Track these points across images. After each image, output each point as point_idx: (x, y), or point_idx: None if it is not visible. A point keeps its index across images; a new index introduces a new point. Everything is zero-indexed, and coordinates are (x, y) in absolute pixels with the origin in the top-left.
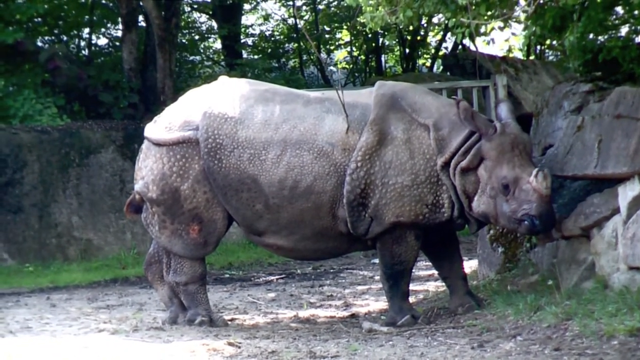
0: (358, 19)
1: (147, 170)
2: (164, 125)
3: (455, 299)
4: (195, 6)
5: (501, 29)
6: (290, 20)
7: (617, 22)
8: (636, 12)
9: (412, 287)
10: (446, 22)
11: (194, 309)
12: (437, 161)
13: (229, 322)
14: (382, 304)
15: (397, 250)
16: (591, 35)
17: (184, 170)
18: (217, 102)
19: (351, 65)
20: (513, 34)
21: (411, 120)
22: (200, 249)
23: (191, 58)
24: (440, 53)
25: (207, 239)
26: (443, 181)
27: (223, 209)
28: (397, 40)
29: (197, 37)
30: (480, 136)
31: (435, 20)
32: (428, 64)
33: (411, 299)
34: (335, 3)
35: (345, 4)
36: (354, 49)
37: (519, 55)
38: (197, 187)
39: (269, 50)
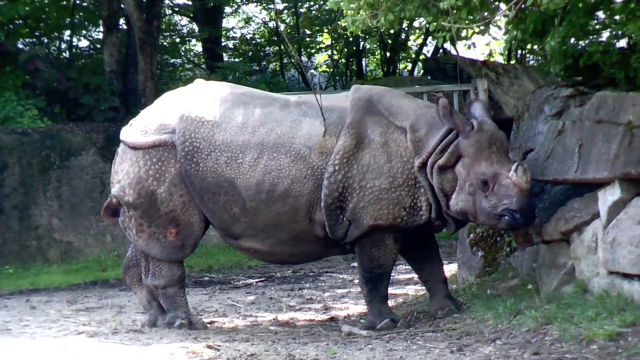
0: (339, 23)
1: (124, 174)
2: (140, 129)
3: (435, 302)
4: (177, 9)
5: (482, 32)
6: (272, 24)
7: (598, 27)
8: (617, 17)
9: (391, 291)
10: (427, 26)
11: (174, 312)
12: (415, 162)
13: (209, 325)
14: (361, 307)
15: (376, 254)
16: (572, 40)
17: (161, 174)
18: (194, 106)
19: (332, 69)
20: (494, 38)
21: (388, 124)
22: (178, 253)
23: (172, 61)
24: (422, 57)
25: (184, 242)
26: (421, 183)
27: (200, 212)
28: (378, 44)
29: (178, 40)
30: (457, 134)
31: (416, 24)
32: (409, 67)
33: (391, 303)
34: (317, 7)
35: (327, 8)
36: (335, 52)
37: (500, 59)
38: (174, 190)
39: (250, 53)
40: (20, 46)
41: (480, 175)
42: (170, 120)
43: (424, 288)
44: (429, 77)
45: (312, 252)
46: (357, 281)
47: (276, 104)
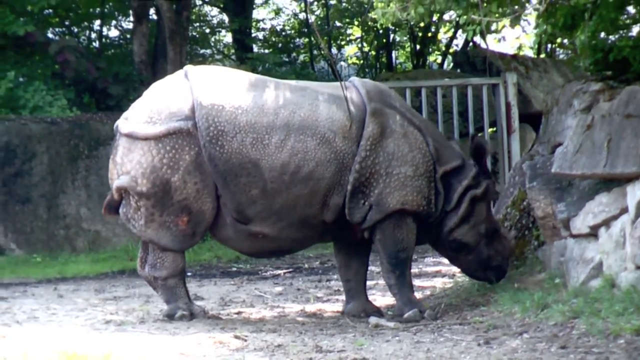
0: (369, 15)
1: (134, 164)
2: (144, 120)
3: (357, 304)
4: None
5: (512, 25)
6: (302, 15)
7: (628, 21)
8: None
9: (419, 282)
10: (457, 19)
11: (174, 304)
12: (438, 169)
13: (235, 316)
14: (388, 299)
15: (399, 235)
16: (602, 34)
17: (174, 162)
18: (207, 91)
19: (362, 61)
20: (524, 31)
21: (403, 117)
22: (188, 240)
23: (202, 51)
24: (451, 50)
25: (195, 229)
26: (436, 184)
27: (212, 199)
28: (408, 36)
29: (208, 31)
30: (478, 174)
31: (446, 17)
32: (439, 60)
33: (418, 295)
34: None
35: (357, 0)
36: (364, 44)
37: (529, 53)
38: (188, 178)
39: (280, 44)
40: (50, 35)
41: (494, 224)
42: (180, 107)
43: (451, 280)
44: (458, 70)
45: (311, 238)
46: None
47: (281, 87)
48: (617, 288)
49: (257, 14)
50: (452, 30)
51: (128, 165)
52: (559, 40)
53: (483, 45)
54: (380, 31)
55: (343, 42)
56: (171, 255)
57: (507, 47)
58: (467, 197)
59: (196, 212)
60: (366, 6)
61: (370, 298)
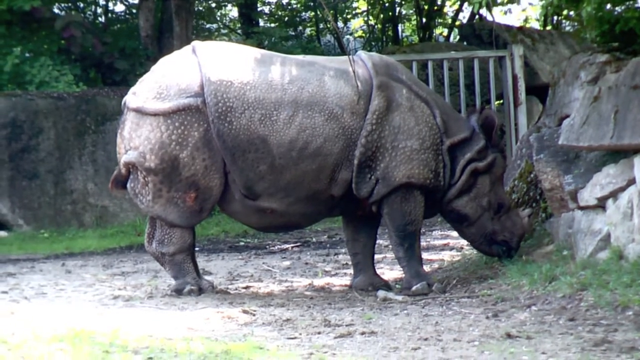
0: None
1: (142, 139)
2: (153, 95)
3: (365, 277)
4: None
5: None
6: None
7: None
8: None
9: (427, 256)
10: None
11: (182, 279)
12: (445, 141)
13: (244, 290)
14: (396, 272)
15: (406, 208)
16: (608, 6)
17: (183, 138)
18: (215, 67)
19: (368, 35)
20: (530, 4)
21: (409, 90)
22: (195, 216)
23: (208, 26)
24: (457, 23)
25: (202, 205)
26: (442, 156)
27: (220, 176)
28: (414, 9)
29: (214, 5)
30: (487, 145)
31: None
32: (445, 33)
33: (426, 268)
34: None
35: None
36: (370, 17)
37: (535, 25)
38: (196, 154)
39: (286, 18)
40: (56, 10)
41: (499, 198)
42: (189, 83)
43: (459, 253)
44: (465, 43)
45: (319, 213)
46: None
47: (289, 62)
48: (625, 260)
49: None
50: (458, 3)
51: (136, 140)
52: (565, 12)
53: (489, 18)
54: (386, 4)
55: (349, 16)
56: (179, 231)
57: (514, 20)
58: (468, 169)
59: (204, 188)
60: None
61: (379, 271)
